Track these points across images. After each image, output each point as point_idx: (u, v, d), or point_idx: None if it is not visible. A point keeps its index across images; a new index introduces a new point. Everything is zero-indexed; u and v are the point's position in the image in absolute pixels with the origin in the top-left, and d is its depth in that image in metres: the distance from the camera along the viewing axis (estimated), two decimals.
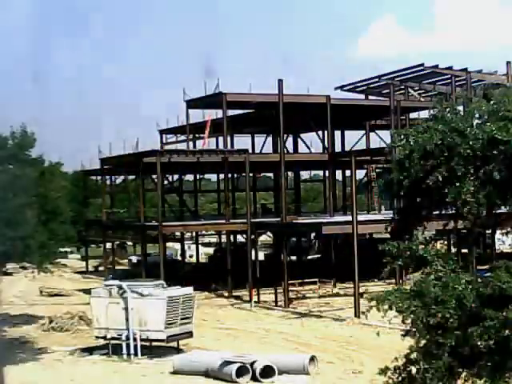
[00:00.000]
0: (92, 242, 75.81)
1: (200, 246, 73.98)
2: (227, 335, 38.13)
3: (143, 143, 56.20)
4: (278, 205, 63.69)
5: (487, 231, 52.74)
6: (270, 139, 67.49)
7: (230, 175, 60.72)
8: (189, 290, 34.12)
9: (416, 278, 16.25)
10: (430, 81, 63.48)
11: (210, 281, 53.87)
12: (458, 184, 15.61)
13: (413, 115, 62.86)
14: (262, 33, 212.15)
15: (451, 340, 14.87)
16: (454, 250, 40.96)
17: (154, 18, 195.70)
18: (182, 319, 33.08)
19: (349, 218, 45.77)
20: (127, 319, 32.75)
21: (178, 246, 72.69)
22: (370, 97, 66.88)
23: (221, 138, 60.45)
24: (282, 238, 50.64)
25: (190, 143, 65.14)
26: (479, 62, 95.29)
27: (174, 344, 33.41)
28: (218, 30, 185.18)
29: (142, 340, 32.84)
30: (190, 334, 33.87)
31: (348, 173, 62.38)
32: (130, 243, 78.95)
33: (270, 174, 79.12)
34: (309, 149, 67.95)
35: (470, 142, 15.69)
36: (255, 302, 47.91)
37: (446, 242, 47.15)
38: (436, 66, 58.96)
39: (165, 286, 34.49)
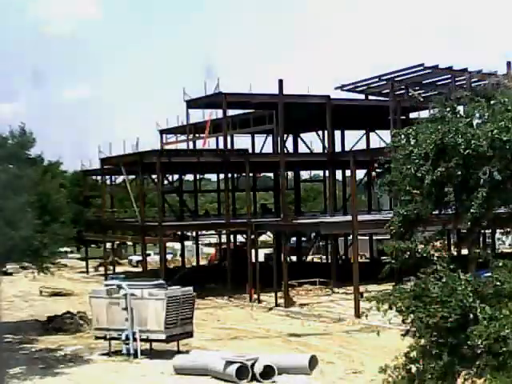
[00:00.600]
0: (92, 241, 75.74)
1: (200, 245, 73.96)
2: (227, 335, 38.11)
3: (143, 143, 56.28)
4: (278, 205, 63.72)
5: (487, 231, 52.97)
6: (270, 139, 67.48)
7: (230, 175, 60.70)
8: (189, 289, 34.10)
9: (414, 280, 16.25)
10: (429, 81, 63.42)
11: (209, 281, 53.90)
12: (458, 184, 15.64)
13: (413, 115, 62.85)
14: (262, 33, 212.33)
15: (451, 340, 14.88)
16: (453, 250, 40.87)
17: (153, 17, 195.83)
18: (182, 319, 33.04)
19: (349, 218, 45.76)
20: (127, 319, 32.75)
21: (177, 245, 72.71)
22: (370, 97, 66.82)
23: (221, 138, 60.46)
24: (282, 238, 50.61)
25: (190, 143, 65.11)
26: (479, 62, 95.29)
27: (174, 344, 33.39)
28: (217, 30, 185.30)
29: (142, 340, 32.83)
30: (190, 334, 33.82)
31: (348, 173, 62.33)
32: (129, 243, 78.90)
33: (270, 174, 79.06)
34: (309, 149, 67.97)
35: (470, 142, 15.71)
36: (255, 301, 47.89)
37: (446, 242, 47.07)
38: (436, 66, 58.88)
39: (165, 285, 34.46)
